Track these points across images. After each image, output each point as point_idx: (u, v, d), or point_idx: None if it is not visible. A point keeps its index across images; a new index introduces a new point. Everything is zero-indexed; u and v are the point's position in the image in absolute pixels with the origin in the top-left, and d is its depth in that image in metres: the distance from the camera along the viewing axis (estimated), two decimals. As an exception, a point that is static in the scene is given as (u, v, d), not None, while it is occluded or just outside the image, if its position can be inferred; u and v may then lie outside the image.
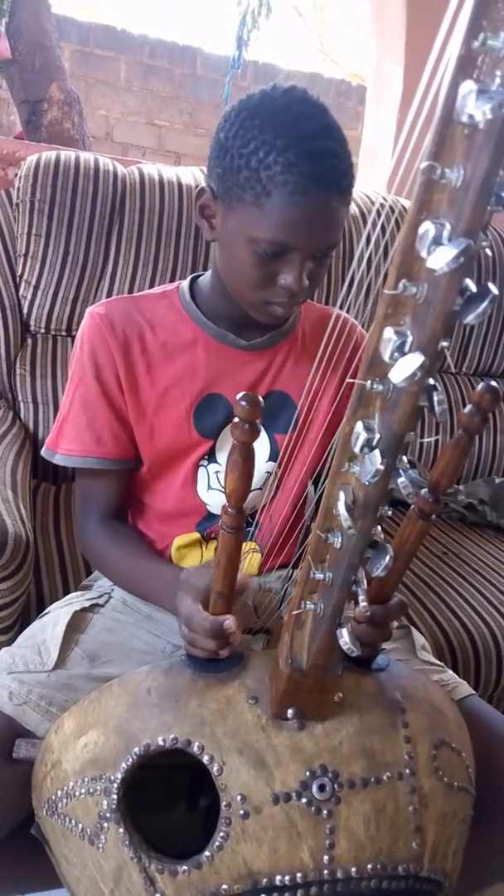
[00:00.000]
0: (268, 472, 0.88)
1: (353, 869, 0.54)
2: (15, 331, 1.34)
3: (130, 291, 1.36)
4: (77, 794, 0.59)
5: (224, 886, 0.53)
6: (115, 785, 0.57)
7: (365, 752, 0.57)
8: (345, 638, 0.53)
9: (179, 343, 0.85)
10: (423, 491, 0.55)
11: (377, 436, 0.43)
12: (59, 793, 0.61)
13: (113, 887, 0.56)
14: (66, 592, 0.95)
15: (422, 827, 0.57)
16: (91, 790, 0.58)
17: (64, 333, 1.39)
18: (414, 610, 1.15)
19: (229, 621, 0.61)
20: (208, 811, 0.63)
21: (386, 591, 0.62)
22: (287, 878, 0.53)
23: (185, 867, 0.54)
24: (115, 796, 0.57)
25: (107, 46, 5.13)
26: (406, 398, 0.41)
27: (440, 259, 0.34)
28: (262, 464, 0.87)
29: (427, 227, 0.35)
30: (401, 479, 0.45)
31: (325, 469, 0.50)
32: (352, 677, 0.61)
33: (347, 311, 0.90)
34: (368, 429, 0.43)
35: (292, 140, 0.67)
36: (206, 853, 0.54)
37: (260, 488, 0.88)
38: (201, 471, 0.87)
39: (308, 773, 0.55)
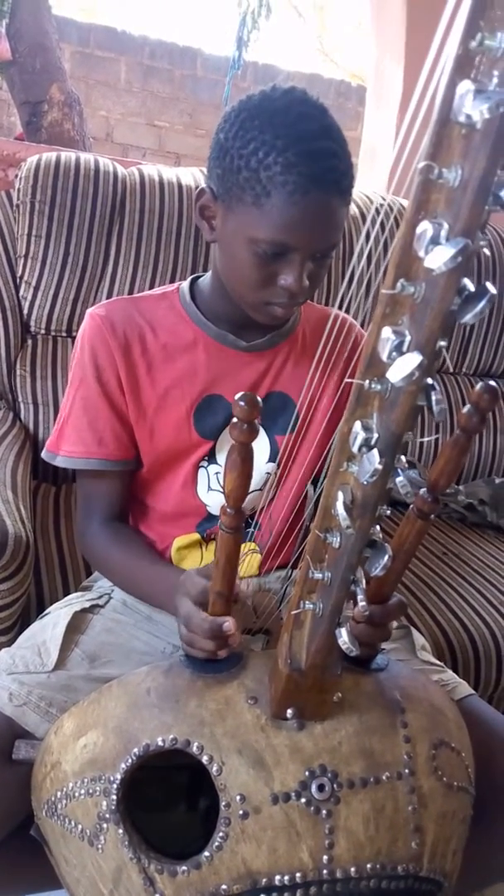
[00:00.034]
0: (268, 473, 0.88)
1: (353, 869, 0.54)
2: (15, 332, 1.35)
3: (130, 292, 1.36)
4: (76, 794, 0.59)
5: (223, 886, 0.53)
6: (115, 785, 0.57)
7: (364, 752, 0.57)
8: (343, 637, 0.53)
9: (180, 344, 0.85)
10: (422, 490, 0.55)
11: (375, 435, 0.43)
12: (59, 794, 0.61)
13: (112, 888, 0.56)
14: (66, 593, 0.95)
15: (421, 827, 0.57)
16: (90, 791, 0.58)
17: (64, 334, 1.39)
18: (414, 610, 1.15)
19: (229, 623, 0.61)
20: (208, 812, 0.63)
21: (385, 591, 0.62)
22: (286, 878, 0.53)
23: (184, 867, 0.54)
24: (114, 797, 0.57)
25: (107, 47, 5.14)
26: (404, 398, 0.42)
27: (438, 258, 0.34)
28: (262, 465, 0.87)
29: (425, 227, 0.35)
30: (399, 479, 0.45)
31: (325, 469, 0.50)
32: (351, 677, 0.61)
33: (348, 308, 0.90)
34: (366, 428, 0.44)
35: (292, 140, 0.67)
36: (206, 853, 0.54)
37: (260, 489, 0.88)
38: (201, 472, 0.87)
39: (307, 773, 0.55)
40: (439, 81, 0.33)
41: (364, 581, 0.51)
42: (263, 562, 0.89)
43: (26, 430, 1.32)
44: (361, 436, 0.43)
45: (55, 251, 1.32)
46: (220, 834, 0.54)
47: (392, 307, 0.40)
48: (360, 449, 0.44)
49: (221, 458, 0.86)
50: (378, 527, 0.49)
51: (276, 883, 0.53)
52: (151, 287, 1.34)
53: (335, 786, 0.55)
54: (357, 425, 0.44)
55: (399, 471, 0.45)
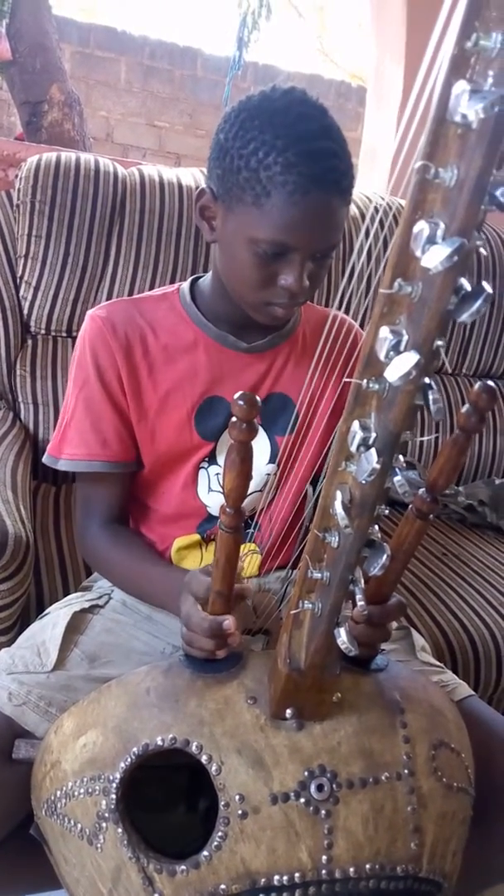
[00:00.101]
0: (268, 475, 0.88)
1: (352, 869, 0.54)
2: (15, 332, 1.35)
3: (131, 293, 1.36)
4: (76, 794, 0.59)
5: (222, 886, 0.53)
6: (114, 785, 0.57)
7: (363, 753, 0.57)
8: (342, 637, 0.53)
9: (180, 345, 0.85)
10: (421, 490, 0.55)
11: (373, 434, 0.44)
12: (58, 793, 0.61)
13: (111, 887, 0.56)
14: (66, 593, 0.95)
15: (420, 827, 0.57)
16: (90, 790, 0.58)
17: (64, 335, 1.39)
18: (414, 611, 1.15)
19: (229, 621, 0.61)
20: (207, 811, 0.63)
21: (384, 592, 0.62)
22: (285, 878, 0.53)
23: (183, 867, 0.54)
24: (113, 796, 0.57)
25: (107, 48, 5.14)
26: (402, 397, 0.42)
27: (434, 258, 0.35)
28: (263, 466, 0.87)
29: (421, 227, 0.35)
30: (397, 479, 0.45)
31: (324, 470, 0.50)
32: (350, 677, 0.61)
33: (348, 308, 0.90)
34: (365, 427, 0.44)
35: (292, 140, 0.67)
36: (205, 853, 0.54)
37: (260, 490, 0.88)
38: (202, 473, 0.87)
39: (306, 773, 0.55)
40: (436, 81, 0.33)
41: (363, 581, 0.51)
42: (263, 562, 0.89)
43: (26, 430, 1.32)
44: (359, 435, 0.43)
45: (55, 251, 1.32)
46: (219, 834, 0.54)
47: (389, 307, 0.40)
48: (358, 448, 0.44)
49: (222, 459, 0.86)
50: (377, 527, 0.50)
51: (275, 883, 0.53)
52: (152, 287, 1.35)
53: (334, 786, 0.55)
54: (355, 424, 0.44)
55: (397, 470, 0.45)
